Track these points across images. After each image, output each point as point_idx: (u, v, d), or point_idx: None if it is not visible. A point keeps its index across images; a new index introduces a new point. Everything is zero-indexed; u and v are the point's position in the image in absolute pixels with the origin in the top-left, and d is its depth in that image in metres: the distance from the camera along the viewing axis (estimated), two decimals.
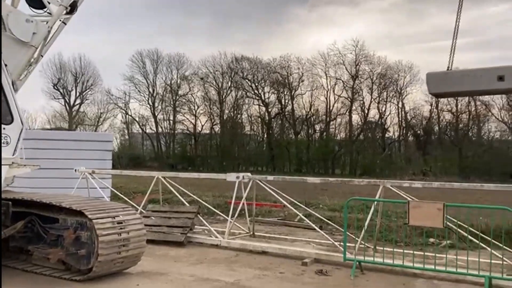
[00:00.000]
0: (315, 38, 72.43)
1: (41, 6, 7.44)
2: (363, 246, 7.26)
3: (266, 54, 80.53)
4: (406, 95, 52.07)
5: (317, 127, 56.27)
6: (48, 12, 7.45)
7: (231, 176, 9.11)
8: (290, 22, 72.92)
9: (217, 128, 60.45)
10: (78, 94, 65.82)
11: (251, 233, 9.44)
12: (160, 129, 63.01)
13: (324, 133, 55.37)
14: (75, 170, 11.42)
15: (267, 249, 8.12)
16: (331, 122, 54.86)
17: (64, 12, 7.48)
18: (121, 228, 6.16)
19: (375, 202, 7.68)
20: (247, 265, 7.26)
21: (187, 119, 61.52)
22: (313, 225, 8.86)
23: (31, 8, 7.44)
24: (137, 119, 64.00)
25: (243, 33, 75.00)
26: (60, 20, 7.52)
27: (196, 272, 6.74)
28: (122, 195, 11.50)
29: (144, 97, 63.03)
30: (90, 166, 12.04)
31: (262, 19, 72.26)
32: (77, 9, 7.49)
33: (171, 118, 62.53)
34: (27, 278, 6.23)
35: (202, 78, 59.68)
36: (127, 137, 66.98)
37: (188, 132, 61.73)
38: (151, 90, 63.37)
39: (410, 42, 69.59)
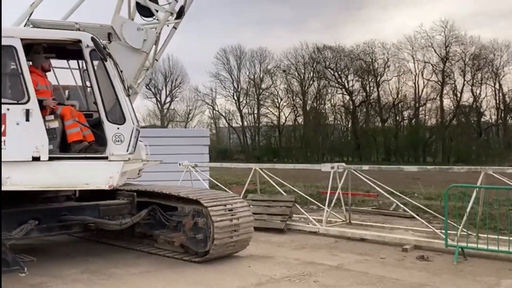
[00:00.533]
0: (398, 21, 69.73)
1: (151, 14, 8.23)
2: (465, 233, 7.25)
3: (348, 41, 79.14)
4: (503, 76, 48.56)
5: (406, 114, 54.32)
6: (156, 19, 8.24)
7: (326, 167, 9.45)
8: (370, 7, 70.91)
9: (300, 119, 60.85)
10: (168, 92, 69.66)
11: (348, 221, 9.72)
12: (245, 123, 64.90)
13: (413, 120, 53.34)
14: (179, 164, 12.46)
15: (366, 236, 8.38)
16: (421, 108, 52.73)
17: (172, 18, 8.24)
18: (232, 215, 6.80)
19: (476, 189, 7.60)
20: (347, 251, 7.60)
21: (271, 111, 62.61)
22: (411, 213, 8.93)
23: (142, 17, 8.25)
24: (223, 114, 66.57)
25: (323, 22, 74.24)
26: (169, 26, 8.26)
27: (300, 256, 7.21)
28: (222, 186, 12.28)
29: (230, 92, 65.17)
30: (190, 160, 13.06)
31: (342, 5, 70.86)
32: (184, 13, 8.17)
33: (256, 111, 64.15)
34: (151, 259, 7.08)
35: (284, 71, 60.28)
36: (214, 131, 69.83)
37: (272, 124, 62.75)
38: (235, 85, 65.30)
39: (506, 18, 64.45)
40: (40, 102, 6.17)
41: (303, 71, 60.11)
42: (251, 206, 9.99)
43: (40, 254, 6.72)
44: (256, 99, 63.21)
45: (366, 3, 72.06)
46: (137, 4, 7.93)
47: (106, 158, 6.24)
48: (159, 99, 69.24)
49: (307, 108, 59.66)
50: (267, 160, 56.41)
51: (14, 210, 6.19)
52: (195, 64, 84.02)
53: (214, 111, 67.00)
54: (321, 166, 9.69)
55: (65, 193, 7.21)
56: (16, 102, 5.99)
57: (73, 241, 8.45)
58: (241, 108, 64.37)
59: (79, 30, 6.67)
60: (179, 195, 7.00)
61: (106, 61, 6.31)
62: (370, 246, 7.92)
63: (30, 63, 6.71)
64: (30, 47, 6.60)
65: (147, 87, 68.78)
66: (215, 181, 12.80)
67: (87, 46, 6.25)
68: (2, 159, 5.57)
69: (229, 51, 63.98)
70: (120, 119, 6.40)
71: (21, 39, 6.13)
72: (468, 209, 7.32)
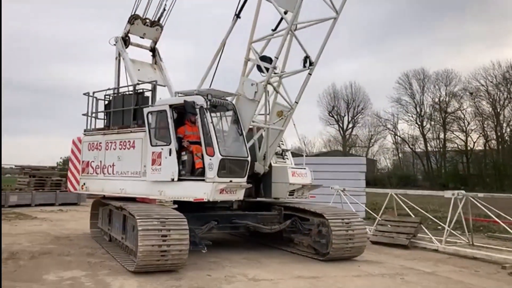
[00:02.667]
0: None
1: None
2: None
3: None
4: None
5: None
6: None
7: (447, 193, 10.73)
8: None
9: (492, 145, 56.31)
10: (350, 118, 72.25)
11: (471, 243, 10.72)
12: (429, 148, 62.94)
13: None
14: (331, 187, 14.86)
15: (476, 255, 9.48)
16: None
17: (278, 71, 9.93)
18: (348, 227, 8.99)
19: None
20: (451, 264, 8.95)
21: (457, 136, 59.59)
22: None
23: (261, 73, 9.97)
24: (406, 139, 65.81)
25: None
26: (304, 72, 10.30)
27: (406, 264, 8.91)
28: (369, 211, 14.22)
29: (412, 117, 64.40)
30: (348, 185, 15.32)
31: None
32: (314, 63, 9.52)
33: (441, 136, 61.78)
34: (290, 255, 9.69)
35: (471, 93, 57.02)
36: (397, 157, 69.27)
37: (459, 150, 59.51)
38: (418, 109, 64.29)
39: None
40: (180, 143, 9.39)
41: (494, 92, 55.97)
42: (386, 225, 11.91)
43: (216, 244, 9.95)
44: (441, 123, 61.01)
45: None
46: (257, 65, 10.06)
47: (203, 180, 8.94)
48: (341, 125, 72.36)
49: (502, 132, 55.01)
50: (454, 187, 53.67)
51: (202, 214, 9.57)
52: (377, 89, 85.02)
53: (396, 136, 66.80)
54: (444, 193, 10.96)
55: (234, 204, 10.34)
56: (165, 144, 9.35)
57: (238, 239, 11.63)
58: (425, 133, 62.88)
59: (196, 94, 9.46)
60: (310, 210, 9.51)
61: (205, 114, 8.97)
62: (476, 262, 9.06)
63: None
64: (174, 108, 9.70)
65: (330, 114, 72.93)
66: (363, 206, 14.74)
67: (197, 105, 9.07)
68: (159, 179, 9.18)
69: (411, 75, 63.67)
70: (211, 153, 8.92)
71: (169, 105, 9.54)
72: None
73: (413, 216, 11.97)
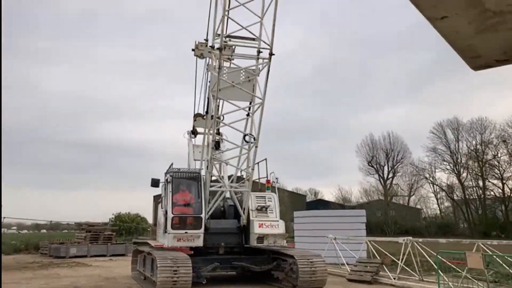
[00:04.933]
0: None
1: None
2: None
3: None
4: None
5: None
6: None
7: (400, 239, 13.63)
8: None
9: None
10: (390, 168, 73.91)
11: (421, 278, 13.46)
12: (468, 196, 63.14)
13: None
14: (326, 237, 17.92)
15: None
16: None
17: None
18: (312, 265, 12.15)
19: None
20: None
21: (494, 184, 59.84)
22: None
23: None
24: (444, 187, 66.43)
25: None
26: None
27: None
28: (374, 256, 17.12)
29: (449, 166, 65.32)
30: (349, 234, 18.15)
31: None
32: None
33: (480, 184, 62.03)
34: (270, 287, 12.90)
35: (504, 141, 57.92)
36: (442, 205, 69.65)
37: (496, 197, 59.59)
38: (454, 158, 65.25)
39: None
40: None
41: None
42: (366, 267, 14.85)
43: (217, 280, 13.29)
44: (479, 171, 61.61)
45: None
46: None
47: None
48: (381, 175, 74.02)
49: None
50: (495, 235, 53.69)
51: (208, 257, 13.06)
52: (416, 138, 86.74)
53: (434, 185, 67.61)
54: (398, 239, 13.86)
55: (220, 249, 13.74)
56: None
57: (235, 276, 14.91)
58: (463, 181, 63.41)
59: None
60: (286, 253, 12.78)
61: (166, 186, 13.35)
62: None
63: None
64: None
65: (369, 164, 74.90)
66: (361, 253, 17.62)
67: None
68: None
69: (445, 125, 65.33)
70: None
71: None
72: None
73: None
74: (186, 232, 12.62)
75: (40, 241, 28.80)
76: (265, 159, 14.80)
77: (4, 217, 20.41)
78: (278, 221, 14.05)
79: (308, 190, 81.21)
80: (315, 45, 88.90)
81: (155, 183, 13.82)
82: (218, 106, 13.42)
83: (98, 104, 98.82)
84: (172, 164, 14.05)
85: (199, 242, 12.85)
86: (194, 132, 16.60)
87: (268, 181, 14.12)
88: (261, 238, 13.55)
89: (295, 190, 74.41)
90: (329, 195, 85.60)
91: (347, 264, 16.01)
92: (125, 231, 35.24)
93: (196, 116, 16.38)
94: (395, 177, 73.61)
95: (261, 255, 13.73)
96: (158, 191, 14.96)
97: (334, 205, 63.75)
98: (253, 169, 13.31)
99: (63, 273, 16.91)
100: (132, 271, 15.87)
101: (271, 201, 14.57)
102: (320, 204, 65.24)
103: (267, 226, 13.57)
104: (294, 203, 55.06)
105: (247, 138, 12.95)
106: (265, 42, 12.22)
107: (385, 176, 73.42)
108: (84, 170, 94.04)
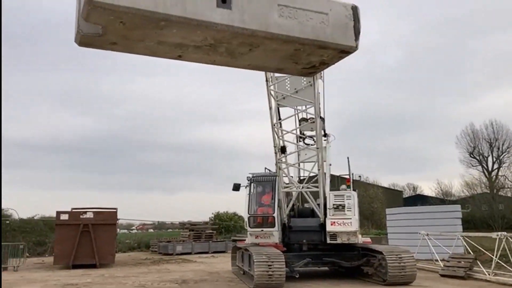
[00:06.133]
0: None
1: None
2: None
3: None
4: None
5: None
6: None
7: (493, 235, 13.42)
8: None
9: None
10: (494, 159, 69.02)
11: None
12: None
13: None
14: (419, 233, 17.91)
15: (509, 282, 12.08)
16: None
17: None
18: (401, 260, 12.52)
19: None
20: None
21: None
22: None
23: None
24: None
25: None
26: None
27: (440, 286, 12.05)
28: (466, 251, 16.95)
29: None
30: (444, 230, 17.94)
31: None
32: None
33: None
34: (361, 282, 13.42)
35: None
36: None
37: None
38: None
39: None
40: None
41: None
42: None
43: (307, 274, 14.14)
44: None
45: None
46: None
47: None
48: (485, 166, 69.43)
49: None
50: None
51: (300, 253, 13.98)
52: None
53: None
54: (491, 234, 13.63)
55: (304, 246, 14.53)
56: None
57: (327, 271, 15.62)
58: None
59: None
60: (375, 249, 13.26)
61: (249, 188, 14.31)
62: None
63: None
64: None
65: (471, 155, 70.59)
66: (445, 249, 17.44)
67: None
68: None
69: None
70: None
71: None
72: None
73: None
74: (262, 230, 13.93)
75: (151, 240, 31.86)
76: (347, 157, 15.34)
77: (119, 218, 23.18)
78: (350, 218, 14.18)
79: (406, 185, 78.58)
80: (404, 31, 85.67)
81: (236, 187, 15.24)
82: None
83: (196, 110, 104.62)
84: (265, 168, 15.29)
85: (275, 239, 14.02)
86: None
87: (348, 180, 14.68)
88: (334, 236, 14.07)
89: (392, 186, 72.39)
90: (427, 190, 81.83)
91: (441, 260, 15.96)
92: (224, 229, 37.40)
93: (301, 120, 17.05)
94: (501, 168, 68.52)
95: (351, 251, 14.32)
96: None
97: (433, 200, 61.15)
98: (319, 169, 13.87)
99: (172, 268, 18.91)
100: (232, 266, 17.28)
101: (350, 199, 14.38)
102: (418, 199, 62.87)
103: (339, 224, 13.96)
104: (390, 199, 53.86)
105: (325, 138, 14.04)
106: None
107: (490, 167, 68.75)
108: (185, 172, 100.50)
